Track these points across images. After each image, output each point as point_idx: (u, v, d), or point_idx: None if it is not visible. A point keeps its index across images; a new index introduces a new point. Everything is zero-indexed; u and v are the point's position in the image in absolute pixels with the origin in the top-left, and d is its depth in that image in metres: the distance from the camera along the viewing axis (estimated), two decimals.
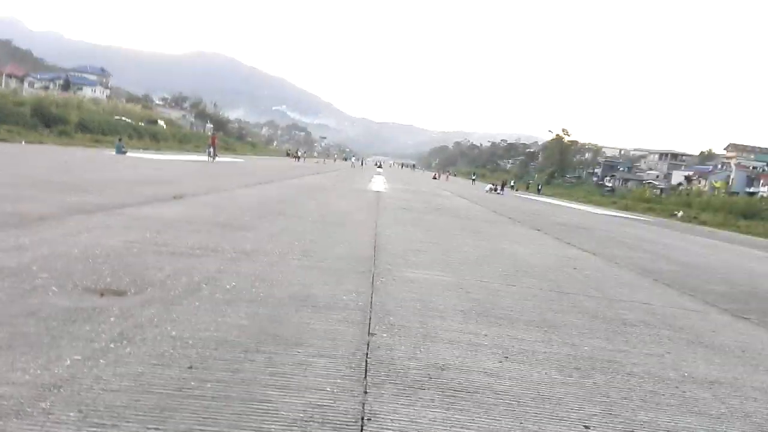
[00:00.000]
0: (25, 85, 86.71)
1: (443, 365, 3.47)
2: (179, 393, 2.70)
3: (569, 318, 5.18)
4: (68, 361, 2.91)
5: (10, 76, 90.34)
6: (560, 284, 6.88)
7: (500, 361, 3.69)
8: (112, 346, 3.18)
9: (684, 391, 3.59)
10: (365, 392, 2.94)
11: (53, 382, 2.67)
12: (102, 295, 4.15)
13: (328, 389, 2.92)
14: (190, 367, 3.00)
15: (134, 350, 3.15)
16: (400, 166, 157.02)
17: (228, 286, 4.78)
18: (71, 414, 2.39)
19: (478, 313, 4.93)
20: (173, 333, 3.49)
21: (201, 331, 3.59)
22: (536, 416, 2.91)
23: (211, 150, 37.67)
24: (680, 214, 41.95)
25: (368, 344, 3.70)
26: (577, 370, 3.72)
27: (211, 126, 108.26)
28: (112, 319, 3.62)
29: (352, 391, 2.93)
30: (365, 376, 3.14)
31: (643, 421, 3.01)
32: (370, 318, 4.32)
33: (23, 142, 30.83)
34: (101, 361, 2.97)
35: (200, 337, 3.46)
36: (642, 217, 35.67)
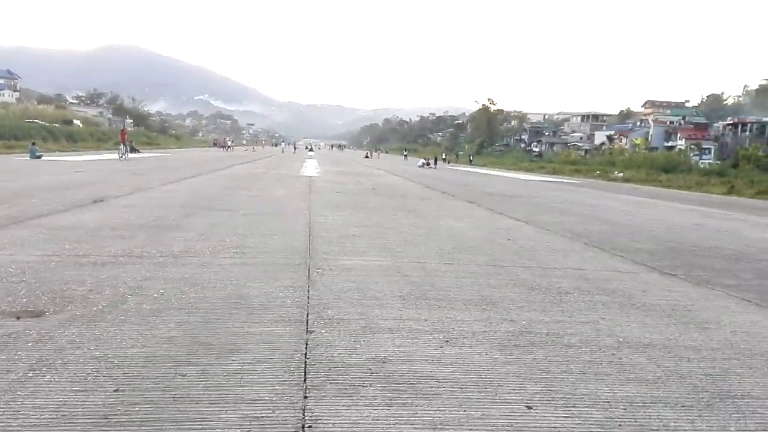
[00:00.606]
0: None
1: (384, 357, 3.41)
2: (105, 421, 2.53)
3: (506, 292, 5.22)
4: None
5: None
6: (496, 258, 6.96)
7: (441, 347, 3.67)
8: (30, 375, 2.96)
9: (620, 358, 3.67)
10: (305, 397, 2.85)
11: None
12: (18, 318, 3.87)
13: (267, 398, 2.81)
14: (116, 390, 2.83)
15: (55, 377, 2.95)
16: (330, 148, 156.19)
17: (156, 295, 4.56)
18: None
19: (416, 296, 4.90)
20: (96, 353, 3.29)
21: (127, 348, 3.40)
22: (479, 401, 2.90)
23: (122, 147, 34.92)
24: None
25: (307, 343, 3.60)
26: (517, 347, 3.74)
27: (131, 121, 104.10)
28: (29, 344, 3.39)
29: (291, 397, 2.83)
30: (305, 379, 3.05)
31: (583, 394, 3.05)
32: (307, 314, 4.21)
33: None
34: (18, 393, 2.75)
35: (126, 355, 3.27)
36: (570, 180, 36.75)
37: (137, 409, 2.65)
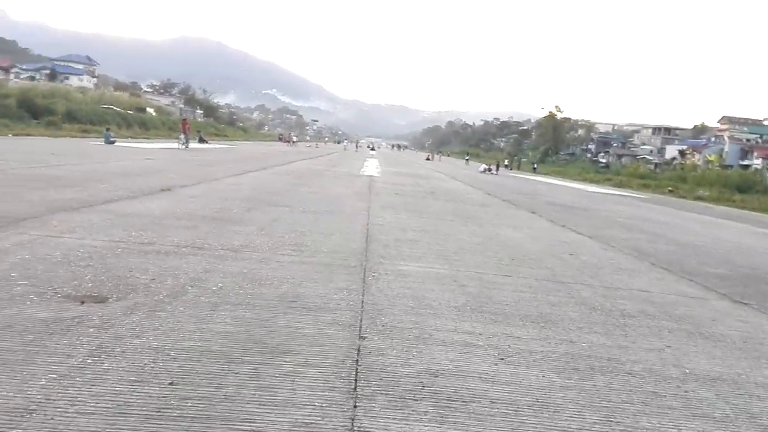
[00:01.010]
0: (11, 76, 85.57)
1: (436, 371, 3.34)
2: (158, 414, 2.55)
3: (566, 311, 5.05)
4: (43, 381, 2.77)
5: None
6: (556, 273, 6.76)
7: (496, 364, 3.56)
8: (89, 361, 3.03)
9: (686, 391, 3.47)
10: (355, 406, 2.80)
11: (26, 406, 2.52)
12: (82, 302, 3.99)
13: (317, 404, 2.79)
14: (171, 383, 2.86)
15: (113, 365, 3.01)
16: (391, 147, 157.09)
17: (214, 288, 4.63)
18: None
19: (472, 308, 4.80)
20: (155, 344, 3.34)
21: (184, 340, 3.44)
22: (535, 427, 2.79)
23: (183, 136, 33.49)
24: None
25: (359, 350, 3.56)
26: (576, 371, 3.60)
27: (201, 111, 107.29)
28: (91, 329, 3.47)
29: (341, 405, 2.80)
30: (355, 387, 3.01)
31: (646, 428, 2.89)
32: (361, 319, 4.18)
33: (10, 135, 30.39)
34: (77, 379, 2.82)
35: (183, 348, 3.32)
36: (637, 194, 35.60)
37: (189, 404, 2.66)
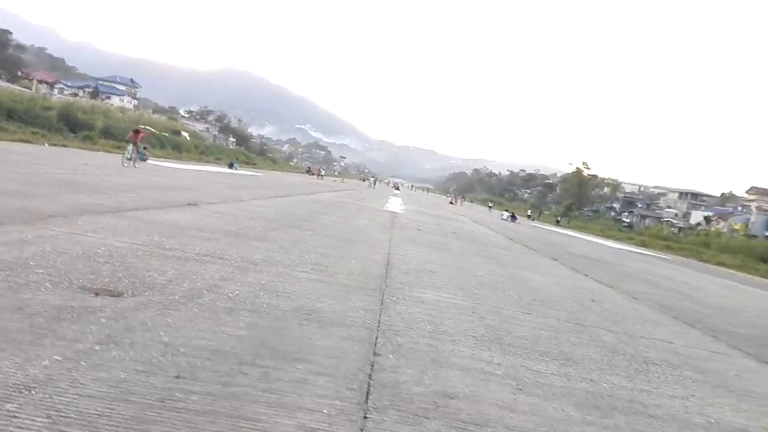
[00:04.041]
0: (55, 91, 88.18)
1: (452, 393, 3.20)
2: (161, 404, 2.46)
3: (587, 352, 4.88)
4: (46, 361, 2.70)
5: (41, 81, 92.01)
6: (577, 316, 6.58)
7: (513, 393, 3.42)
8: (97, 348, 2.97)
9: None
10: (365, 417, 2.69)
11: (25, 383, 2.45)
12: (97, 294, 3.95)
13: (325, 411, 2.67)
14: (178, 377, 2.77)
15: (120, 354, 2.94)
16: (410, 187, 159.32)
17: (231, 295, 4.56)
18: (38, 419, 2.17)
19: (491, 339, 4.66)
20: (165, 339, 3.27)
21: (195, 339, 3.36)
22: None
23: (130, 149, 23.18)
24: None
25: (372, 365, 3.44)
26: (597, 408, 3.43)
27: (234, 139, 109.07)
28: (102, 320, 3.42)
29: (351, 414, 2.68)
30: (366, 400, 2.89)
31: None
32: (376, 337, 4.07)
33: (46, 144, 31.11)
34: (82, 363, 2.75)
35: (193, 345, 3.24)
36: (660, 255, 35.02)
37: (195, 398, 2.57)
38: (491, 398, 3.26)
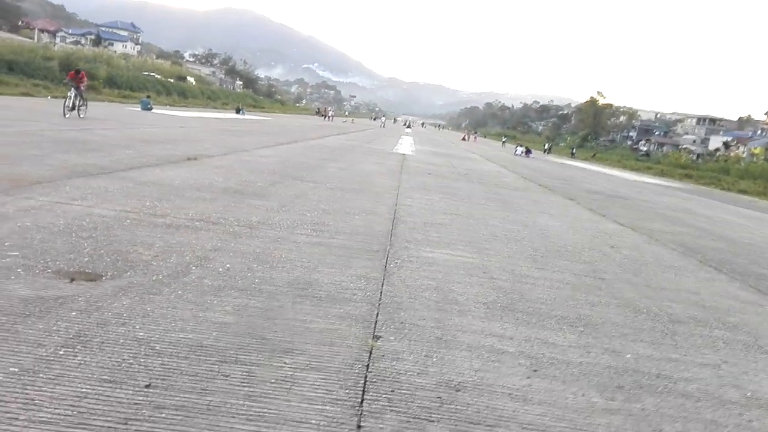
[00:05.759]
0: (57, 40, 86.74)
1: (458, 384, 2.88)
2: (123, 427, 2.15)
3: (608, 313, 4.53)
4: (0, 376, 2.39)
5: (42, 30, 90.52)
6: (597, 268, 6.21)
7: (528, 377, 3.09)
8: (61, 353, 2.66)
9: (750, 421, 2.96)
10: (359, 426, 2.37)
11: None
12: (72, 280, 3.63)
13: (314, 421, 2.36)
14: (148, 386, 2.46)
15: (86, 359, 2.62)
16: (422, 125, 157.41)
17: (221, 269, 4.24)
18: None
19: (503, 306, 4.32)
20: (140, 334, 2.96)
21: (175, 331, 3.05)
22: None
23: (72, 94, 18.38)
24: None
25: (371, 352, 3.12)
26: (621, 390, 3.10)
27: (241, 83, 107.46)
28: (73, 313, 3.11)
29: (342, 424, 2.36)
30: (361, 401, 2.57)
31: None
32: (377, 314, 3.73)
33: (49, 97, 30.58)
34: (41, 375, 2.44)
35: (171, 341, 2.92)
36: (680, 185, 34.31)
37: (164, 415, 2.26)
38: (503, 386, 2.94)
